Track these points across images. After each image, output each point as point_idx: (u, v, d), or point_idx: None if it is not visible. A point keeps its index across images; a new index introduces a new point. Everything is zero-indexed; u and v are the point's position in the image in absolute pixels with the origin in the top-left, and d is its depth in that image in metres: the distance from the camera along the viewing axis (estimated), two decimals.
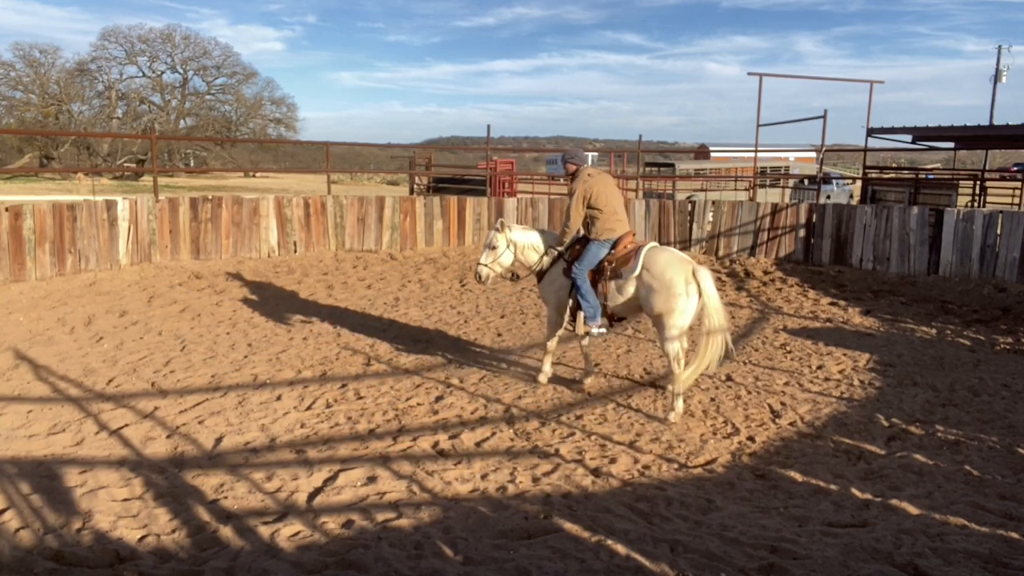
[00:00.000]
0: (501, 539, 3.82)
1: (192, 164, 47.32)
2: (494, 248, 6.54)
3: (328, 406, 5.99)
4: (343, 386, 6.49)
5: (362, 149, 48.56)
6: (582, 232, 6.48)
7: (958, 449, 5.29)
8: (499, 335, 8.51)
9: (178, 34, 47.26)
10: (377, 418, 5.75)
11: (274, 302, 9.90)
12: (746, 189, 20.92)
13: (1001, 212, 11.37)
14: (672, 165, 26.49)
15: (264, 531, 3.88)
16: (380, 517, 4.06)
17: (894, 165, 34.00)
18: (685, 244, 13.62)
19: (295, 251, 12.51)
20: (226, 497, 4.31)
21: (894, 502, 4.33)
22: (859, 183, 20.39)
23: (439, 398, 6.25)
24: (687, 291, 5.73)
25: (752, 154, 16.69)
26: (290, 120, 51.26)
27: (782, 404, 6.25)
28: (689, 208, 13.74)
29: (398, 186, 41.73)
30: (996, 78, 39.02)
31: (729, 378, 6.96)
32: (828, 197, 22.19)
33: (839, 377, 7.08)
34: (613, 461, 4.99)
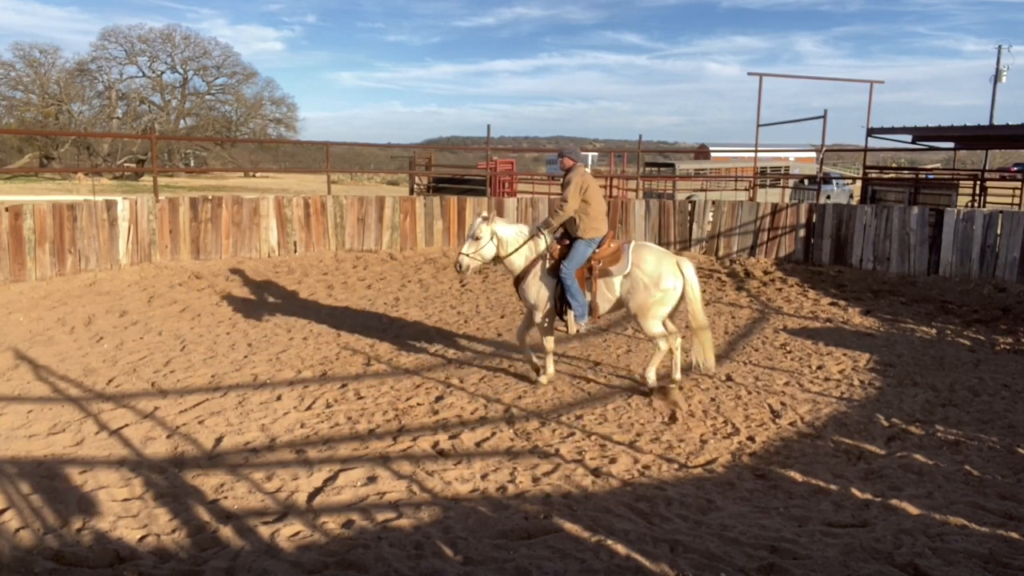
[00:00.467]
0: (501, 539, 3.82)
1: (192, 164, 47.32)
2: (477, 239, 6.48)
3: (328, 406, 5.99)
4: (343, 386, 6.49)
5: (362, 149, 48.56)
6: (561, 231, 6.56)
7: (958, 449, 5.29)
8: (499, 335, 8.51)
9: (178, 34, 47.29)
10: (377, 418, 5.75)
11: (274, 302, 9.90)
12: (746, 189, 20.91)
13: (1001, 212, 11.37)
14: (672, 165, 26.48)
15: (264, 531, 3.89)
16: (380, 517, 4.06)
17: (894, 165, 33.99)
18: (685, 244, 13.62)
19: (295, 251, 12.52)
20: (226, 497, 4.31)
21: (894, 502, 4.33)
22: (859, 183, 20.39)
23: (439, 398, 6.25)
24: (675, 284, 6.28)
25: (752, 154, 16.69)
26: (290, 120, 51.29)
27: (782, 404, 6.25)
28: (689, 208, 13.74)
29: (398, 186, 41.73)
30: (996, 78, 39.02)
31: (729, 378, 6.96)
32: (828, 197, 22.19)
33: (839, 377, 7.08)
34: (613, 461, 4.99)
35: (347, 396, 6.26)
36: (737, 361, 7.59)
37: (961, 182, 18.77)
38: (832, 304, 10.50)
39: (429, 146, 47.52)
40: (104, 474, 4.56)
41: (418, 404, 6.09)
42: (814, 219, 12.82)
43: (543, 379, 6.65)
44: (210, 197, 11.96)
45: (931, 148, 18.86)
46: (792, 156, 30.08)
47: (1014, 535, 3.87)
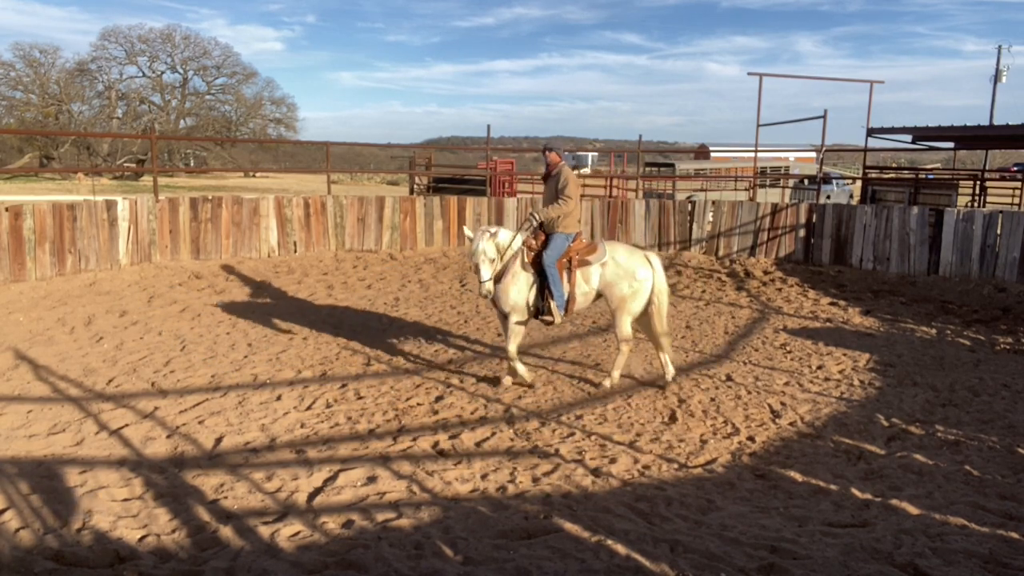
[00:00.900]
0: (501, 539, 3.82)
1: (192, 164, 47.28)
2: (492, 260, 6.25)
3: (328, 406, 5.99)
4: (343, 386, 6.49)
5: (362, 149, 48.51)
6: (535, 227, 6.63)
7: (958, 449, 5.29)
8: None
9: (178, 34, 47.23)
10: (377, 418, 5.75)
11: (274, 302, 9.90)
12: (746, 189, 20.91)
13: (1001, 212, 11.38)
14: (672, 165, 26.48)
15: (264, 531, 3.88)
16: (380, 517, 4.06)
17: (894, 165, 34.00)
18: (685, 244, 13.63)
19: (295, 251, 12.52)
20: (226, 497, 4.31)
21: (894, 502, 4.33)
22: (859, 183, 20.39)
23: (439, 398, 6.25)
24: (647, 275, 6.55)
25: (752, 154, 16.69)
26: (290, 120, 51.23)
27: (782, 404, 6.25)
28: (689, 208, 13.74)
29: (398, 186, 41.72)
30: (996, 78, 39.03)
31: (729, 378, 6.96)
32: (828, 197, 22.19)
33: (839, 377, 7.08)
34: (613, 461, 4.99)
35: (347, 396, 6.25)
36: (737, 361, 7.59)
37: (961, 182, 18.77)
38: (832, 304, 10.50)
39: (429, 146, 47.50)
40: (104, 474, 4.56)
41: (418, 404, 6.09)
42: (814, 219, 12.82)
43: (527, 378, 6.58)
44: (210, 197, 11.96)
45: (931, 148, 18.85)
46: (792, 156, 30.11)
47: (1014, 535, 3.87)
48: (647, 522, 4.05)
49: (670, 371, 6.66)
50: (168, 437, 5.24)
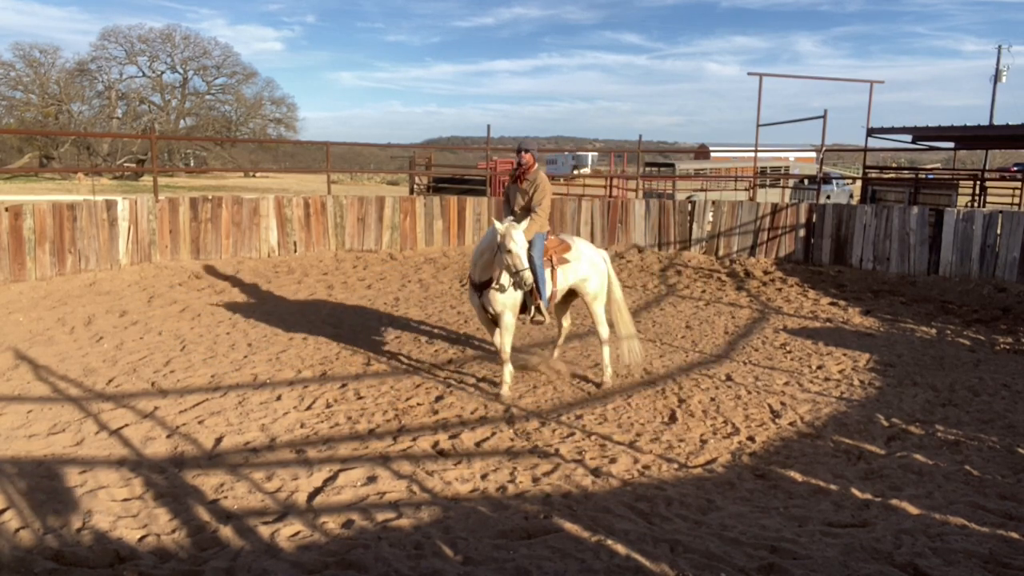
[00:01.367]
0: (501, 539, 3.82)
1: (192, 164, 47.29)
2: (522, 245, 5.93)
3: (328, 406, 5.99)
4: (343, 386, 6.49)
5: (362, 149, 48.55)
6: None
7: (958, 449, 5.29)
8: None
9: (178, 34, 47.28)
10: (377, 418, 5.75)
11: (274, 302, 9.90)
12: (746, 189, 20.91)
13: (1001, 212, 11.38)
14: (672, 165, 26.49)
15: (264, 531, 3.88)
16: (380, 517, 4.06)
17: (894, 165, 34.01)
18: (685, 244, 13.63)
19: (295, 251, 12.51)
20: (226, 497, 4.31)
21: (894, 502, 4.33)
22: (859, 183, 20.39)
23: (439, 398, 6.25)
24: (607, 267, 6.90)
25: (752, 154, 16.69)
26: (290, 120, 51.26)
27: (782, 404, 6.25)
28: (689, 208, 13.74)
29: (398, 186, 41.72)
30: (996, 78, 39.03)
31: (729, 378, 6.96)
32: (828, 197, 22.19)
33: (839, 377, 7.08)
34: (613, 461, 4.99)
35: (347, 396, 6.25)
36: (737, 361, 7.59)
37: (961, 182, 18.77)
38: (832, 304, 10.50)
39: (429, 146, 47.55)
40: (104, 474, 4.56)
41: (418, 404, 6.09)
42: (814, 219, 12.82)
43: (504, 390, 6.33)
44: (210, 197, 11.96)
45: (931, 148, 18.86)
46: (792, 156, 30.09)
47: (1014, 535, 3.87)
48: (647, 522, 4.05)
49: (609, 373, 6.82)
50: (168, 437, 5.24)
